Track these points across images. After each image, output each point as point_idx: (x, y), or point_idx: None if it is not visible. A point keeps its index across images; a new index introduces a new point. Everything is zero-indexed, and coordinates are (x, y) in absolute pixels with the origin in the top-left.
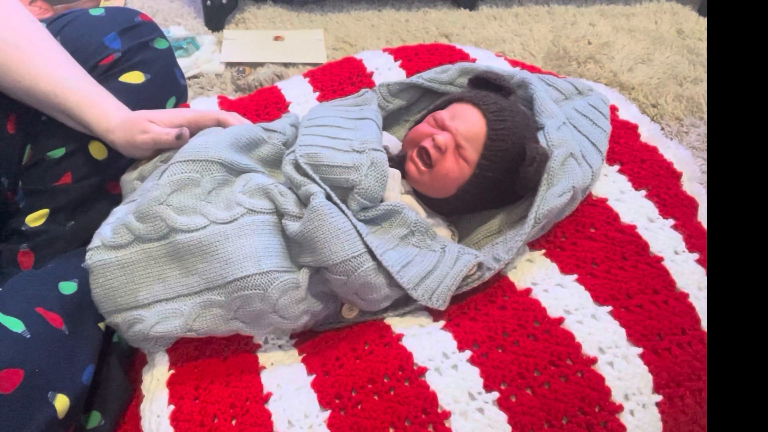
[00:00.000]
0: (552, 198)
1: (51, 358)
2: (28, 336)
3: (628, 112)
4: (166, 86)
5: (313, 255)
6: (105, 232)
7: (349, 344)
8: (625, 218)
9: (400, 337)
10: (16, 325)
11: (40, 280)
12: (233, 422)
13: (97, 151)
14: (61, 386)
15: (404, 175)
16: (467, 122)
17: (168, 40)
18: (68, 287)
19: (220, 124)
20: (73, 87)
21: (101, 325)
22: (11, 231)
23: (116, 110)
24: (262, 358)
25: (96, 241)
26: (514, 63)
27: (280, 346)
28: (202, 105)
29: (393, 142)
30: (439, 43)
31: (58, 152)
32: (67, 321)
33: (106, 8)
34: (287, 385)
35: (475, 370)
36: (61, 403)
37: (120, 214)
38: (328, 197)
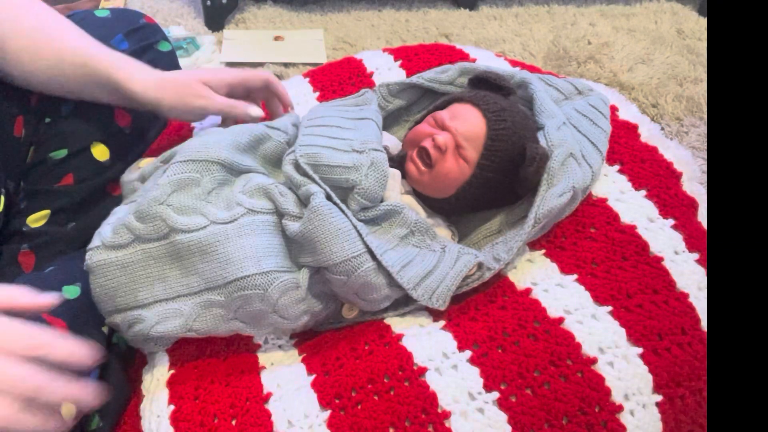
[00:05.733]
0: (552, 198)
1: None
2: None
3: (628, 112)
4: None
5: (313, 255)
6: (105, 232)
7: (349, 344)
8: (625, 218)
9: (400, 337)
10: None
11: (44, 284)
12: (233, 422)
13: (99, 153)
14: None
15: (404, 175)
16: (467, 122)
17: (171, 43)
18: (72, 291)
19: (268, 87)
20: (99, 54)
21: (104, 328)
22: (12, 232)
23: (149, 70)
24: (262, 358)
25: (96, 241)
26: (514, 63)
27: (280, 346)
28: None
29: (393, 142)
30: (439, 43)
31: (61, 153)
32: (71, 326)
33: (111, 10)
34: (287, 385)
35: (475, 370)
36: (67, 411)
37: (120, 214)
38: (328, 197)
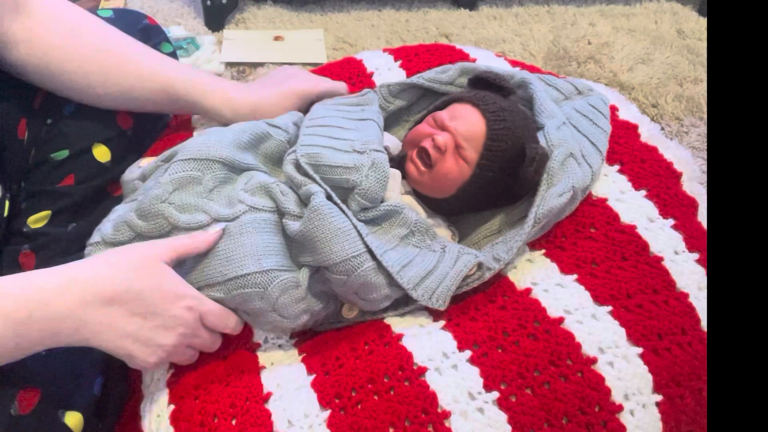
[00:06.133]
0: (552, 198)
1: (64, 374)
2: (44, 352)
3: (628, 112)
4: None
5: (313, 254)
6: (106, 228)
7: (349, 344)
8: (625, 218)
9: (400, 337)
10: None
11: None
12: (233, 422)
13: (100, 154)
14: (72, 402)
15: (404, 176)
16: (467, 122)
17: (172, 45)
18: None
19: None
20: (181, 78)
21: None
22: (13, 232)
23: (237, 92)
24: (262, 358)
25: (96, 236)
26: (514, 63)
27: (280, 346)
28: None
29: (393, 142)
30: (439, 43)
31: (62, 154)
32: None
33: (114, 10)
34: (287, 385)
35: (475, 370)
36: (73, 419)
37: (121, 211)
38: (329, 197)
